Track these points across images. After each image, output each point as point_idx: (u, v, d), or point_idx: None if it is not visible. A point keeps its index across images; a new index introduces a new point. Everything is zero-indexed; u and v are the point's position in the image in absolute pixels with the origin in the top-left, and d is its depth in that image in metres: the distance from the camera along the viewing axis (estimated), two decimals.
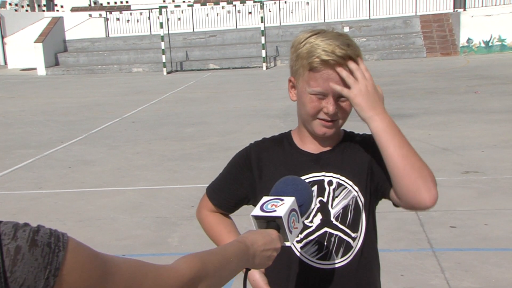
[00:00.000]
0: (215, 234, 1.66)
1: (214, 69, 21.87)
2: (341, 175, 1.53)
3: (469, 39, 20.85)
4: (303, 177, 1.49)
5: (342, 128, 1.60)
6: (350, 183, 1.52)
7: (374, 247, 1.59)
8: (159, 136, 9.13)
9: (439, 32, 21.77)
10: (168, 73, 21.07)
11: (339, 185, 1.52)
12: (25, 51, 24.40)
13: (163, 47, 20.94)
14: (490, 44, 20.84)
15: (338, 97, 1.46)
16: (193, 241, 4.54)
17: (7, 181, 6.88)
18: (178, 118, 10.83)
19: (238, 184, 1.61)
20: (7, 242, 0.77)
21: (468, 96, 11.32)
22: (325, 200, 1.52)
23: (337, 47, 1.43)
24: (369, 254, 1.56)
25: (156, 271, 0.95)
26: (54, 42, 23.77)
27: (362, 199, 1.53)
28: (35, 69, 23.20)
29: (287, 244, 1.26)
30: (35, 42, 23.03)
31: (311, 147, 1.57)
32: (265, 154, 1.59)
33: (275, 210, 1.24)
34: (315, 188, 1.52)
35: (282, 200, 1.27)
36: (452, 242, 4.36)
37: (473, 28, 20.65)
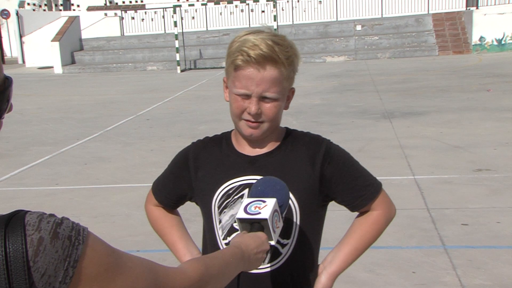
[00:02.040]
0: (159, 228, 1.69)
1: None
2: None
3: (481, 37, 20.70)
4: (235, 179, 1.50)
5: (285, 127, 1.56)
6: None
7: (311, 251, 1.55)
8: (173, 133, 9.21)
9: (452, 30, 21.63)
10: (182, 71, 21.17)
11: None
12: (42, 49, 24.65)
13: (177, 45, 21.05)
14: (502, 42, 20.67)
15: (261, 98, 1.43)
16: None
17: (24, 177, 7.01)
18: (192, 115, 10.91)
19: (178, 182, 1.62)
20: (31, 233, 0.81)
21: (480, 94, 11.27)
22: None
23: (265, 43, 1.37)
24: (303, 258, 1.52)
25: (166, 271, 1.00)
26: (70, 40, 24.00)
27: (297, 205, 1.48)
28: (52, 67, 23.43)
29: (272, 243, 1.31)
30: (52, 41, 23.26)
31: (248, 149, 1.53)
32: (202, 154, 1.57)
33: (260, 212, 1.29)
34: (245, 191, 1.48)
35: (264, 201, 1.31)
36: (463, 240, 4.37)
37: (486, 26, 20.49)
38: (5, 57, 28.75)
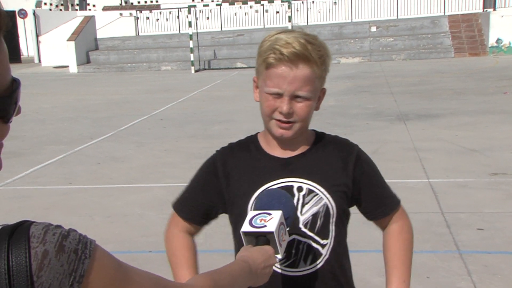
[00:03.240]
0: (174, 261, 1.60)
1: (242, 67, 21.93)
2: (313, 181, 1.47)
3: (498, 39, 20.48)
4: (271, 183, 1.47)
5: (312, 129, 1.55)
6: (322, 189, 1.47)
7: (345, 252, 1.57)
8: (187, 133, 9.22)
9: (468, 32, 21.42)
10: (196, 71, 21.21)
11: (309, 191, 1.47)
12: (58, 49, 24.82)
13: (191, 45, 21.09)
14: None
15: (293, 97, 1.40)
16: (219, 239, 4.58)
17: (39, 176, 7.05)
18: (206, 116, 10.92)
19: (206, 192, 1.55)
20: (35, 245, 0.77)
21: (496, 97, 11.14)
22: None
23: (298, 41, 1.36)
24: (339, 259, 1.54)
25: (174, 287, 0.97)
26: (86, 40, 24.16)
27: (334, 206, 1.48)
28: (67, 66, 23.60)
29: (278, 256, 1.28)
30: (67, 40, 23.43)
31: (279, 151, 1.51)
32: (231, 160, 1.54)
33: (266, 225, 1.25)
34: None
35: (270, 214, 1.28)
36: (479, 245, 4.32)
37: (503, 28, 20.27)
38: (21, 56, 28.99)
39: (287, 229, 1.32)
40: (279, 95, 1.40)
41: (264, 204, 1.31)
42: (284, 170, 1.48)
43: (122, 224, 5.19)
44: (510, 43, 20.48)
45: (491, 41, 20.61)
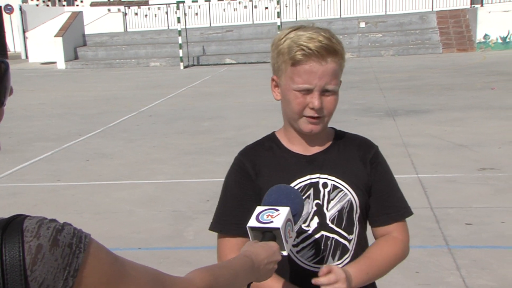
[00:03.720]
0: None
1: (231, 63, 21.89)
2: (337, 177, 1.49)
3: (486, 35, 20.61)
4: (298, 180, 1.47)
5: (331, 126, 1.55)
6: (346, 185, 1.49)
7: (367, 246, 1.56)
8: (176, 130, 9.19)
9: (456, 28, 21.54)
10: (185, 67, 21.14)
11: (334, 187, 1.48)
12: (46, 45, 24.64)
13: (180, 41, 21.01)
14: (507, 40, 20.58)
15: (322, 92, 1.41)
16: (209, 235, 4.57)
17: (27, 173, 6.99)
18: (195, 112, 10.88)
19: (246, 199, 1.49)
20: (29, 240, 0.77)
21: (484, 92, 11.22)
22: (321, 202, 1.48)
23: (321, 35, 1.38)
24: (363, 251, 1.52)
25: (172, 281, 0.96)
26: (73, 36, 23.98)
27: (357, 201, 1.49)
28: (55, 63, 23.43)
29: (284, 253, 1.27)
30: (55, 36, 23.25)
31: (301, 148, 1.51)
32: (258, 159, 1.52)
33: (272, 221, 1.24)
34: (311, 191, 1.48)
35: (277, 210, 1.27)
36: (468, 240, 4.34)
37: (490, 24, 20.40)
38: (8, 52, 28.73)
39: (295, 226, 1.31)
40: (308, 91, 1.40)
41: (273, 200, 1.30)
42: (310, 167, 1.49)
43: (111, 221, 5.16)
44: (497, 39, 20.62)
45: (479, 37, 20.74)
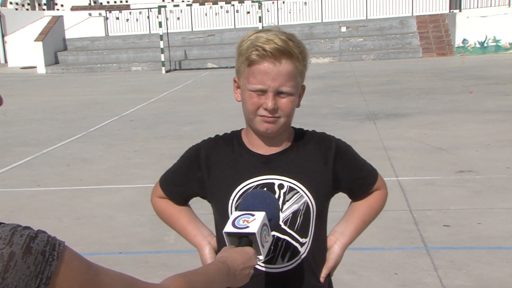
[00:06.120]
0: (167, 216, 1.67)
1: (213, 68, 21.90)
2: (293, 179, 1.48)
3: (464, 39, 20.92)
4: (251, 180, 1.48)
5: (292, 126, 1.56)
6: (302, 187, 1.48)
7: (324, 250, 1.58)
8: (157, 134, 9.17)
9: (435, 33, 21.82)
10: (166, 72, 21.09)
11: (290, 189, 1.48)
12: (25, 49, 24.40)
13: (162, 46, 20.97)
14: (485, 44, 20.91)
15: (277, 93, 1.41)
16: None
17: (5, 179, 6.93)
18: (176, 116, 10.87)
19: (187, 180, 1.59)
20: (2, 247, 0.76)
21: (463, 96, 11.38)
22: None
23: (279, 38, 1.38)
24: (318, 258, 1.55)
25: None
26: (54, 40, 23.78)
27: (314, 204, 1.49)
28: (35, 67, 23.20)
29: (260, 257, 1.28)
30: (35, 40, 23.04)
31: (260, 148, 1.51)
32: (214, 154, 1.55)
33: (248, 226, 1.25)
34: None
35: (253, 215, 1.28)
36: (445, 241, 4.41)
37: (469, 28, 20.72)
38: None
39: (271, 230, 1.31)
40: (263, 92, 1.41)
41: (249, 205, 1.31)
42: (266, 167, 1.49)
43: (92, 226, 5.13)
44: (475, 44, 20.93)
45: (458, 42, 21.03)
